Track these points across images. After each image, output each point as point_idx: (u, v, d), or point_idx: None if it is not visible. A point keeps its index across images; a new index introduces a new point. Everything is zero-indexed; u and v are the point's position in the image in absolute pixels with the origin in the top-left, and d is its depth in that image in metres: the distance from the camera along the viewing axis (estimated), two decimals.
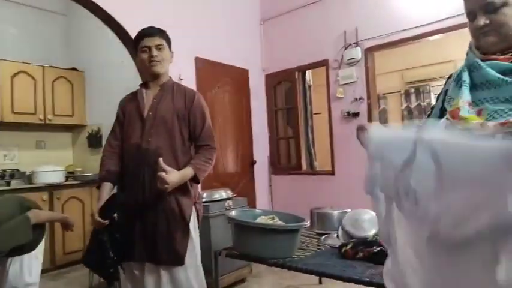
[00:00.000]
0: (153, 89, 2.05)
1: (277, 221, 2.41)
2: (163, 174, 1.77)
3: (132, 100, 2.08)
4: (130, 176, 1.95)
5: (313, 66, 4.77)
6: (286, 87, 5.10)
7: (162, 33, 2.02)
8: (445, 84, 1.28)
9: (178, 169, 1.89)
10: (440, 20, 3.71)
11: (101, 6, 3.37)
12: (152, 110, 1.98)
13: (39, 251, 2.31)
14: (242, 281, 3.64)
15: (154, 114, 1.96)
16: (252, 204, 4.45)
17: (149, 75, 2.05)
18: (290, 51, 4.87)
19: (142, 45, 1.97)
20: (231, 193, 3.66)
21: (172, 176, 1.81)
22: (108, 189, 1.97)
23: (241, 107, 4.84)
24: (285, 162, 5.12)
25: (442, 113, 1.22)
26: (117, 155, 2.02)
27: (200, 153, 1.98)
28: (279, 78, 5.08)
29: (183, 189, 1.93)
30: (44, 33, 5.16)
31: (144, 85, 2.08)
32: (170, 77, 2.10)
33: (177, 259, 1.87)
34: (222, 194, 3.58)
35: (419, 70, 6.33)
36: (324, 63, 4.58)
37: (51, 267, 4.21)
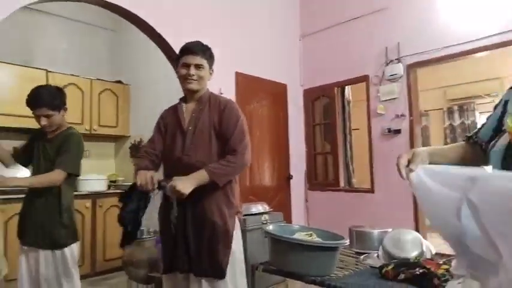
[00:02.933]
0: (191, 103, 2.09)
1: (315, 238, 2.38)
2: (172, 184, 1.80)
3: (173, 114, 2.13)
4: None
5: (353, 82, 4.73)
6: (324, 103, 5.08)
7: (204, 53, 2.03)
8: (506, 94, 1.22)
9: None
10: (487, 37, 3.61)
11: (146, 20, 3.51)
12: (191, 124, 2.02)
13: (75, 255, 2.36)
14: None
15: (194, 129, 2.00)
16: (287, 219, 4.42)
17: (185, 90, 2.10)
18: (329, 66, 4.86)
19: (183, 61, 2.02)
20: (268, 207, 3.66)
21: (182, 182, 1.81)
22: None
23: (279, 121, 4.86)
24: (322, 178, 5.07)
25: (499, 123, 1.17)
26: (150, 161, 2.06)
27: (225, 158, 1.95)
28: (318, 94, 5.07)
29: (225, 200, 1.94)
30: (92, 48, 5.42)
31: (184, 99, 2.13)
32: (207, 89, 2.13)
33: (218, 272, 1.88)
34: (259, 207, 3.58)
35: (463, 87, 6.15)
36: (364, 79, 4.53)
37: (91, 273, 4.34)
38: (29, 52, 4.75)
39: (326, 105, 5.05)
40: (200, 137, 1.97)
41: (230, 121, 1.98)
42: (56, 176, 2.21)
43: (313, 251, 2.20)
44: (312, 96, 5.11)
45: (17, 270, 2.31)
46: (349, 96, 5.04)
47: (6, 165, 2.42)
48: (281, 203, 4.61)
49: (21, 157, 2.43)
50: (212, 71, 2.10)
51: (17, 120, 4.07)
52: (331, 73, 4.83)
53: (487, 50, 3.72)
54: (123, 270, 3.79)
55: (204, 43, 2.11)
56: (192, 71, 1.99)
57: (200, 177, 1.85)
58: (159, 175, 1.95)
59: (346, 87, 4.96)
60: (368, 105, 4.49)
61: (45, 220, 2.22)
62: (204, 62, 2.02)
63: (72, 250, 2.31)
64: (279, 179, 4.78)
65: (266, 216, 3.52)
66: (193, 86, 2.02)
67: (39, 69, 4.41)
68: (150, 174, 1.87)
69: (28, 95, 2.26)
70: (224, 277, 1.89)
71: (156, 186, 1.87)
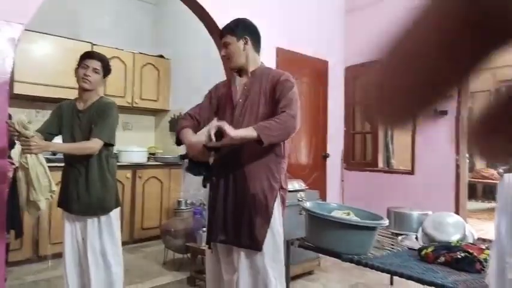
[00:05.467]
0: (245, 76, 2.10)
1: (353, 217, 2.36)
2: (219, 124, 1.78)
3: (225, 86, 2.16)
4: (218, 161, 2.02)
5: None
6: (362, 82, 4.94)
7: (229, 30, 2.05)
8: None
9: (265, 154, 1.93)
10: None
11: None
12: (242, 96, 2.04)
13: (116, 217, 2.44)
14: (310, 273, 3.64)
15: (244, 101, 2.02)
16: (323, 198, 4.40)
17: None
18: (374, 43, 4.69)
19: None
20: (304, 185, 3.65)
21: (229, 126, 1.79)
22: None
23: (319, 99, 4.78)
24: (360, 158, 4.99)
25: None
26: (191, 123, 2.10)
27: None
28: (360, 71, 4.93)
29: (268, 174, 1.95)
30: (136, 22, 5.50)
31: (238, 73, 2.13)
32: (262, 63, 2.13)
33: (255, 245, 1.91)
34: (295, 185, 3.58)
35: None
36: None
37: (129, 241, 4.53)
38: (74, 25, 4.88)
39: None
40: (249, 109, 1.98)
41: (284, 89, 1.96)
42: (94, 144, 2.23)
43: (351, 229, 2.19)
44: (354, 74, 4.98)
45: (62, 236, 2.39)
46: None
47: None
48: (317, 182, 4.59)
49: (47, 132, 2.36)
50: (245, 40, 2.06)
51: (57, 91, 4.19)
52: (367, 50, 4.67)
53: None
54: (161, 239, 3.95)
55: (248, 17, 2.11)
56: (222, 51, 2.07)
57: (247, 131, 1.80)
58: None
59: None
60: None
61: (91, 187, 2.28)
62: (229, 39, 2.04)
63: (117, 214, 2.40)
64: (315, 157, 4.75)
65: (302, 194, 3.52)
66: (229, 64, 2.08)
67: (85, 41, 4.52)
68: (198, 145, 1.87)
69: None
70: (261, 250, 1.91)
71: (209, 154, 1.88)
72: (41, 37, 4.20)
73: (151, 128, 5.67)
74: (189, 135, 2.01)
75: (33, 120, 4.26)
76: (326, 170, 4.85)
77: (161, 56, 5.35)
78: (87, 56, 2.36)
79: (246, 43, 2.06)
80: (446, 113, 3.95)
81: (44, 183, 2.15)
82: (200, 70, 4.76)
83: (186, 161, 2.03)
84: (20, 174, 2.13)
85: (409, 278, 1.87)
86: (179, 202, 4.15)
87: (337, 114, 4.99)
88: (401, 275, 1.92)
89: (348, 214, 2.42)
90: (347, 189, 4.93)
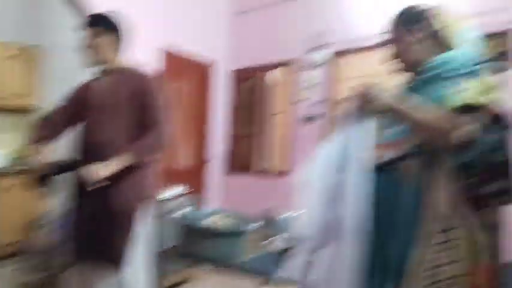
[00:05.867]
0: (104, 76, 1.97)
1: (227, 222, 2.37)
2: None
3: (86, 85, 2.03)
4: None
5: (277, 65, 4.74)
6: (249, 85, 5.05)
7: (95, 21, 1.95)
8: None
9: None
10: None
11: None
12: (103, 97, 1.92)
13: None
14: (184, 282, 3.54)
15: (104, 103, 1.90)
16: (203, 202, 4.38)
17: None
18: (257, 48, 4.83)
19: None
20: (183, 190, 3.57)
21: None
22: None
23: (201, 102, 4.75)
24: (241, 161, 5.05)
25: None
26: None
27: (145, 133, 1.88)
28: (243, 75, 5.02)
29: (132, 183, 1.83)
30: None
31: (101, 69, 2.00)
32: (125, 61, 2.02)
33: (116, 259, 1.78)
34: (174, 191, 3.47)
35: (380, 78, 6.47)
36: (288, 63, 4.58)
37: None
38: None
39: (250, 88, 5.03)
40: (109, 112, 1.82)
41: (148, 93, 1.85)
42: None
43: (223, 236, 2.19)
44: (238, 77, 5.05)
45: None
46: (272, 80, 5.07)
47: None
48: (197, 186, 4.54)
49: None
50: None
51: None
52: (257, 55, 4.81)
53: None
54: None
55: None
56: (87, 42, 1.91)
57: (120, 162, 1.74)
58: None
59: (271, 71, 4.97)
60: (290, 90, 4.55)
61: None
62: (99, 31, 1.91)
63: None
64: (196, 161, 4.70)
65: (182, 199, 3.43)
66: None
67: None
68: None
69: None
70: (121, 263, 1.79)
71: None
72: None
73: (15, 129, 5.01)
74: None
75: None
76: (207, 174, 4.83)
77: (31, 46, 4.72)
78: None
79: (112, 36, 1.92)
80: (315, 118, 4.26)
81: None
82: (74, 61, 4.32)
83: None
84: None
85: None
86: (41, 214, 3.72)
87: (221, 118, 5.01)
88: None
89: (222, 219, 2.42)
90: (228, 193, 4.94)
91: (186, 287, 3.47)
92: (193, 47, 4.49)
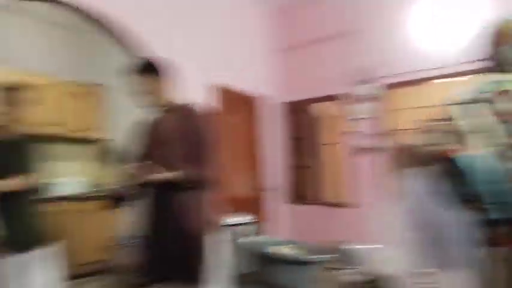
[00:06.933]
0: (161, 112, 2.19)
1: (295, 251, 2.44)
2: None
3: (144, 123, 2.28)
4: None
5: (327, 98, 4.86)
6: (299, 117, 5.18)
7: (147, 68, 2.14)
8: None
9: None
10: (458, 64, 3.80)
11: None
12: (159, 133, 2.16)
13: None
14: None
15: (159, 138, 2.16)
16: (264, 231, 4.44)
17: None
18: (307, 82, 4.97)
19: None
20: (245, 219, 3.69)
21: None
22: None
23: (252, 133, 4.90)
24: (299, 192, 5.12)
25: None
26: None
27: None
28: (293, 108, 5.16)
29: (199, 208, 2.00)
30: (65, 47, 5.27)
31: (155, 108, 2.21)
32: (172, 99, 2.22)
33: (192, 280, 1.92)
34: (239, 218, 3.60)
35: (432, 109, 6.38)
36: (336, 97, 4.70)
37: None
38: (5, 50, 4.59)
39: (301, 120, 5.16)
40: (165, 144, 2.02)
41: (198, 130, 2.05)
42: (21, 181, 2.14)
43: (294, 264, 2.27)
44: (287, 110, 5.19)
45: None
46: (322, 112, 5.19)
47: None
48: (255, 216, 4.63)
49: None
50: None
51: None
52: (306, 89, 4.96)
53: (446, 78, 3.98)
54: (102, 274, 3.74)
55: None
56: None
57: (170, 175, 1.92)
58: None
59: (320, 103, 5.09)
60: (341, 122, 4.66)
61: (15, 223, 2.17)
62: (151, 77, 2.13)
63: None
64: (255, 191, 4.82)
65: (243, 228, 3.56)
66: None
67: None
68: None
69: None
70: (197, 283, 1.92)
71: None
72: None
73: (86, 158, 5.41)
74: None
75: None
76: (265, 204, 4.92)
77: (94, 84, 5.20)
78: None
79: (163, 81, 2.13)
80: (372, 149, 4.30)
81: None
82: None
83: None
84: None
85: None
86: (122, 235, 3.98)
87: (274, 149, 5.12)
88: None
89: (292, 249, 2.50)
90: (291, 223, 5.00)
91: None
92: (243, 83, 4.66)
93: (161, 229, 1.99)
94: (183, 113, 2.10)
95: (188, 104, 2.17)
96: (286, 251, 2.40)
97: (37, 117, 4.24)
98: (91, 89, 5.17)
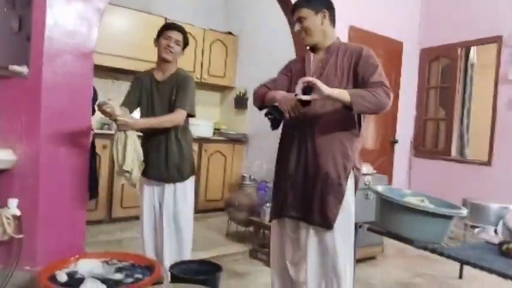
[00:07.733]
0: (319, 53, 2.03)
1: (428, 204, 2.25)
2: (313, 80, 1.72)
3: (299, 62, 2.11)
4: (290, 135, 2.00)
5: (480, 42, 4.23)
6: (443, 64, 4.65)
7: (305, 3, 1.95)
8: None
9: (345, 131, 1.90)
10: None
11: None
12: (317, 72, 1.97)
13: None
14: (372, 258, 3.57)
15: (318, 77, 1.94)
16: (389, 183, 4.25)
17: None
18: (454, 24, 4.39)
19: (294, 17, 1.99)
20: (372, 169, 3.54)
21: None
22: None
23: (390, 81, 4.56)
24: (431, 145, 4.75)
25: None
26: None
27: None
28: (437, 54, 4.65)
29: (342, 153, 1.90)
30: None
31: (312, 49, 2.07)
32: (337, 38, 2.04)
33: (327, 223, 1.88)
34: (363, 168, 3.47)
35: None
36: (495, 39, 4.02)
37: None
38: None
39: (445, 67, 4.62)
40: (324, 83, 1.82)
41: (370, 66, 1.86)
42: (179, 115, 2.31)
43: (427, 216, 2.09)
44: (430, 56, 4.70)
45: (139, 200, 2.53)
46: (473, 58, 4.54)
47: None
48: (383, 167, 4.43)
49: (130, 105, 2.45)
50: (323, 14, 1.97)
51: (131, 63, 4.32)
52: (455, 32, 4.37)
53: None
54: (223, 211, 4.05)
55: None
56: (296, 26, 1.98)
57: (340, 92, 1.75)
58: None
59: (472, 48, 4.46)
60: (497, 69, 4.00)
61: (170, 155, 2.37)
62: (304, 14, 1.95)
63: (192, 182, 2.49)
64: (383, 142, 4.59)
65: (369, 178, 3.42)
66: (306, 41, 2.00)
67: (158, 15, 4.62)
68: (291, 99, 1.79)
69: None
70: (332, 228, 1.88)
71: (301, 108, 1.79)
72: (115, 9, 4.13)
73: (217, 104, 5.76)
74: (278, 91, 1.97)
75: (109, 89, 4.55)
76: (394, 155, 4.69)
77: (230, 33, 5.37)
78: (170, 27, 2.41)
79: (324, 17, 1.97)
80: None
81: (135, 155, 2.21)
82: (268, 48, 4.73)
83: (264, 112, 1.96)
84: (117, 145, 2.17)
85: (492, 271, 1.75)
86: (243, 177, 4.22)
87: (409, 99, 4.76)
88: (482, 268, 1.81)
89: (422, 201, 2.31)
90: (415, 176, 4.73)
91: (374, 264, 3.50)
92: (383, 26, 4.34)
93: (301, 171, 1.95)
94: (348, 48, 1.96)
95: (354, 44, 2.03)
96: (417, 203, 2.21)
97: (183, 62, 4.74)
98: (228, 38, 5.35)
